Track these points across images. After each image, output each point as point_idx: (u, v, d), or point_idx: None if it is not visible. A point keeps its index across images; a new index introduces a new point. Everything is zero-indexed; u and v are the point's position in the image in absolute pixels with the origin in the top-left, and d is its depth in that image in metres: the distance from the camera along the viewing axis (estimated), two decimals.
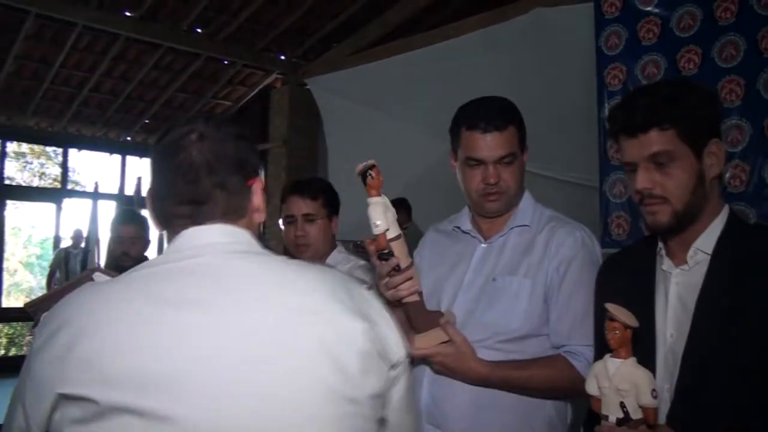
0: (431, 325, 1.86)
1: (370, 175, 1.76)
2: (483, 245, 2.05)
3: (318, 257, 2.52)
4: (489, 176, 1.93)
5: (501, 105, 2.00)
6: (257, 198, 1.28)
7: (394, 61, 7.14)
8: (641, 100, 1.57)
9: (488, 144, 1.92)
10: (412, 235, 6.54)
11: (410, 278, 1.82)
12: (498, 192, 1.95)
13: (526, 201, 2.06)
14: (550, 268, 1.92)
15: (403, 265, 1.80)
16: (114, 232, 3.89)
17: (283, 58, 8.67)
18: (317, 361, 1.09)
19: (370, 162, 1.77)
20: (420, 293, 1.88)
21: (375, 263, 1.83)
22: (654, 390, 1.38)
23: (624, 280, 1.71)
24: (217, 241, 1.20)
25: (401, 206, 7.14)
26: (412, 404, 1.32)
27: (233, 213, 1.24)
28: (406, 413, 1.27)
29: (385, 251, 1.78)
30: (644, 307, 1.59)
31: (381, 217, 1.76)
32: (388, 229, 1.76)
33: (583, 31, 4.94)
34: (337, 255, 2.59)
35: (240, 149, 1.26)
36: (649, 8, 4.26)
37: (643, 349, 1.49)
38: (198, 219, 1.22)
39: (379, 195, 1.77)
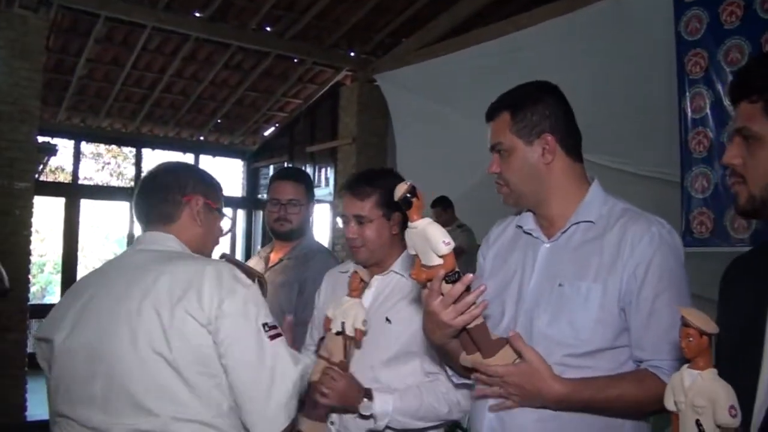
0: (499, 347, 1.67)
1: (416, 197, 1.58)
2: (546, 245, 1.82)
3: (376, 259, 2.33)
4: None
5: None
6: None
7: (463, 55, 6.98)
8: (743, 69, 1.39)
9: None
10: (468, 236, 6.38)
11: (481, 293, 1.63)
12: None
13: (593, 194, 1.81)
14: (625, 271, 1.68)
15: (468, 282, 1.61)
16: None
17: (352, 54, 8.59)
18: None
19: (410, 184, 1.58)
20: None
21: (432, 291, 1.61)
22: (733, 407, 1.16)
23: (744, 284, 1.48)
24: None
25: (449, 206, 6.98)
26: None
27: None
28: None
29: (454, 272, 1.58)
30: (756, 315, 1.36)
31: (447, 235, 1.57)
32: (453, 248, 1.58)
33: (662, 16, 4.71)
34: (408, 257, 2.35)
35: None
36: None
37: (747, 361, 1.32)
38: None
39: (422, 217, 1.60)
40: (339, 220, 2.42)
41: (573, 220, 1.78)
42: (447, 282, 1.58)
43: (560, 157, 1.79)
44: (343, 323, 2.09)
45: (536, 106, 1.79)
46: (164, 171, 1.98)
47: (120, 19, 7.38)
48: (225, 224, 2.07)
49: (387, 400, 2.12)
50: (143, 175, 2.01)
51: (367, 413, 2.10)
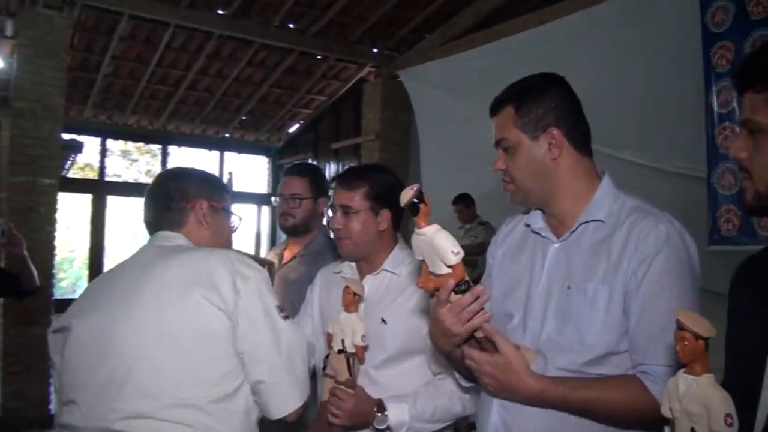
0: None
1: (423, 202, 1.51)
2: (555, 245, 1.75)
3: (361, 254, 2.30)
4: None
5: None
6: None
7: (486, 50, 6.92)
8: (748, 57, 1.31)
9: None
10: (489, 233, 6.32)
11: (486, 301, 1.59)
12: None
13: (603, 191, 1.73)
14: (628, 270, 1.61)
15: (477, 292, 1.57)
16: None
17: (375, 50, 8.57)
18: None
19: (417, 188, 1.52)
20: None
21: (441, 301, 1.57)
22: (729, 415, 1.10)
23: (753, 284, 1.40)
24: None
25: (471, 203, 6.91)
26: None
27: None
28: None
29: (464, 282, 1.53)
30: (764, 315, 1.29)
31: (456, 244, 1.51)
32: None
33: (687, 7, 4.61)
34: (399, 253, 2.31)
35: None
36: None
37: (753, 364, 1.24)
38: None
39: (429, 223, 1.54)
40: (328, 212, 2.41)
41: (582, 218, 1.71)
42: (456, 293, 1.53)
43: (568, 152, 1.72)
44: (342, 341, 2.05)
45: (541, 98, 1.72)
46: (165, 179, 2.04)
47: (143, 17, 7.42)
48: (235, 221, 2.12)
49: (401, 409, 2.08)
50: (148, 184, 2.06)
51: (383, 426, 2.06)
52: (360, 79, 9.26)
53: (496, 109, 1.78)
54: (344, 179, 2.30)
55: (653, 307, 1.56)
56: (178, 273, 1.74)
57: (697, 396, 1.14)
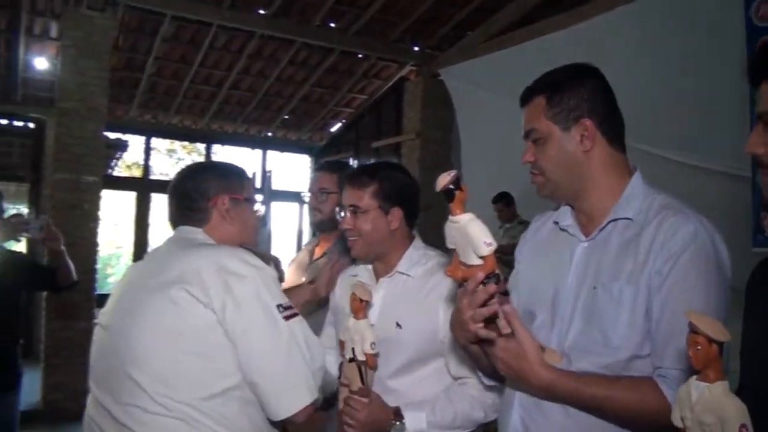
0: None
1: (459, 188, 1.47)
2: (584, 243, 1.68)
3: (373, 254, 2.26)
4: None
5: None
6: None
7: (528, 47, 6.83)
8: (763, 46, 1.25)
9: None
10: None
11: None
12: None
13: (634, 188, 1.66)
14: (654, 268, 1.54)
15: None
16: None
17: (416, 49, 8.54)
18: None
19: (454, 174, 1.47)
20: None
21: (467, 292, 1.54)
22: (744, 426, 1.04)
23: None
24: None
25: (511, 202, 6.84)
26: None
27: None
28: None
29: (494, 275, 1.48)
30: None
31: (489, 234, 1.47)
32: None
33: (731, 1, 4.46)
34: (414, 253, 2.26)
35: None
36: None
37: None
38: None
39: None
40: (340, 213, 2.32)
41: (611, 216, 1.64)
42: (485, 285, 1.49)
43: (600, 145, 1.65)
44: (353, 349, 1.99)
45: (573, 89, 1.65)
46: (184, 179, 2.02)
47: (186, 18, 7.53)
48: (259, 209, 2.12)
49: (419, 417, 2.02)
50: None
51: None
52: (401, 77, 9.25)
53: (526, 98, 1.71)
54: (352, 178, 2.25)
55: (673, 307, 1.48)
56: (179, 267, 1.74)
57: (710, 404, 1.08)
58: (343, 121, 10.76)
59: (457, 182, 1.46)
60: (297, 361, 1.71)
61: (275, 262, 2.48)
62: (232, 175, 2.05)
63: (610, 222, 1.64)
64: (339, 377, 2.13)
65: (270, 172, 8.71)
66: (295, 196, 11.16)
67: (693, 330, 1.08)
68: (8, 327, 3.71)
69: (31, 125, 9.13)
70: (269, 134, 10.84)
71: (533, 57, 6.60)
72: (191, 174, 2.04)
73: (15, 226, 3.61)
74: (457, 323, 1.62)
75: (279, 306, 1.74)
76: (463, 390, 2.08)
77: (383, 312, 2.18)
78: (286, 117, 10.31)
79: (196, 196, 1.95)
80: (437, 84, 8.41)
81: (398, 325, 2.13)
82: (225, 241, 1.94)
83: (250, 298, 1.71)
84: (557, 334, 1.64)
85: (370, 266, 2.31)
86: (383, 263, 2.25)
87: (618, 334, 1.54)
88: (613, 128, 1.68)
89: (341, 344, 2.05)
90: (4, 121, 9.09)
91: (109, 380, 1.73)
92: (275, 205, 8.85)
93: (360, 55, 8.81)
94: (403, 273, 2.21)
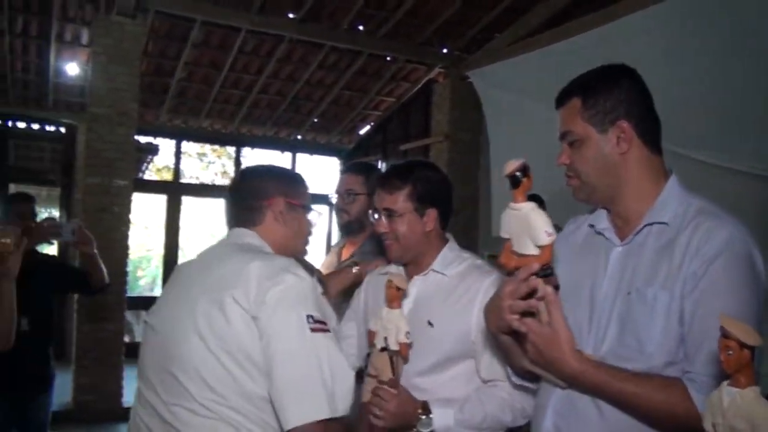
0: None
1: (526, 176, 1.47)
2: (619, 248, 1.67)
3: (410, 257, 2.22)
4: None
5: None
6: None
7: (557, 48, 6.74)
8: None
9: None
10: None
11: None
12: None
13: (670, 191, 1.64)
14: (688, 272, 1.52)
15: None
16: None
17: (444, 51, 8.52)
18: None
19: (522, 161, 1.47)
20: None
21: (518, 279, 1.52)
22: None
23: None
24: None
25: (540, 204, 6.79)
26: None
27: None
28: None
29: (548, 267, 1.48)
30: None
31: (550, 224, 1.46)
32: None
33: (759, 1, 4.39)
34: (449, 253, 2.23)
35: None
36: None
37: None
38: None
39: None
40: (374, 215, 2.29)
41: (646, 220, 1.63)
42: (538, 276, 1.49)
43: (637, 147, 1.64)
44: (385, 338, 1.98)
45: (610, 90, 1.64)
46: (245, 178, 2.10)
47: (215, 23, 7.59)
48: (313, 217, 2.10)
49: (447, 413, 2.01)
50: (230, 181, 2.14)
51: (427, 430, 1.99)
52: (429, 80, 9.23)
53: (562, 100, 1.71)
54: (385, 181, 2.20)
55: (705, 312, 1.47)
56: (225, 272, 1.78)
57: (742, 411, 1.06)
58: (372, 123, 10.76)
59: (524, 170, 1.46)
60: (314, 371, 1.66)
61: (319, 276, 2.45)
62: (291, 180, 2.08)
63: (645, 226, 1.62)
64: (365, 368, 2.13)
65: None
66: (325, 199, 11.18)
67: (724, 334, 1.06)
68: (41, 329, 3.78)
69: (63, 130, 9.30)
70: (298, 137, 10.88)
71: (561, 59, 6.52)
72: (251, 174, 2.10)
73: (48, 230, 3.65)
74: (494, 309, 1.62)
75: (309, 317, 1.70)
76: (494, 392, 2.06)
77: (415, 310, 2.16)
78: (315, 120, 10.34)
79: (254, 194, 1.99)
80: (465, 86, 8.37)
81: (430, 323, 2.11)
82: (277, 244, 1.96)
83: (285, 303, 1.69)
84: (593, 339, 1.63)
85: (401, 267, 2.29)
86: (416, 264, 2.23)
87: (652, 341, 1.53)
88: (649, 130, 1.66)
89: (371, 334, 2.04)
90: (36, 127, 9.27)
91: (156, 379, 1.78)
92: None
93: (388, 58, 8.80)
94: (437, 272, 2.20)
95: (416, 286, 2.21)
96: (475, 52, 8.33)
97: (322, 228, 11.09)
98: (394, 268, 2.30)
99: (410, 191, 2.16)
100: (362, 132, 11.04)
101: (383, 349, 1.99)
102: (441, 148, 8.71)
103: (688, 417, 1.40)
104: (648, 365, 1.52)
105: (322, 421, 1.61)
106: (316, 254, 11.02)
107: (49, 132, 9.36)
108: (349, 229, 2.99)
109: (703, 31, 5.12)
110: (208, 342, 1.68)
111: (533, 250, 1.47)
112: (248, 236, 1.95)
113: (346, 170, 3.09)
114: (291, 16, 7.60)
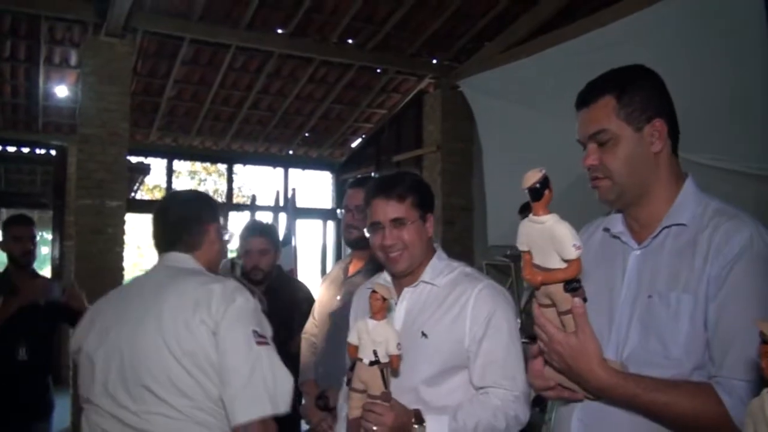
0: None
1: (548, 188, 1.41)
2: (636, 251, 1.65)
3: (415, 265, 2.19)
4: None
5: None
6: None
7: (547, 55, 6.75)
8: None
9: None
10: None
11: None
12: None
13: (687, 193, 1.62)
14: (711, 274, 1.50)
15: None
16: (241, 246, 3.75)
17: (434, 61, 8.51)
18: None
19: (543, 173, 1.41)
20: None
21: (549, 293, 1.48)
22: None
23: None
24: None
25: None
26: None
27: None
28: None
29: (577, 281, 1.43)
30: None
31: (577, 237, 1.41)
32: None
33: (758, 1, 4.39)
34: (438, 263, 2.22)
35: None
36: None
37: None
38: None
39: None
40: (367, 233, 2.25)
41: (665, 222, 1.61)
42: (566, 290, 1.44)
43: (667, 147, 1.62)
44: (375, 351, 1.92)
45: (644, 88, 1.62)
46: (179, 204, 2.24)
47: (204, 40, 7.55)
48: (228, 236, 2.32)
49: (441, 421, 1.98)
50: (156, 207, 2.27)
51: None
52: (420, 90, 9.22)
53: (589, 99, 1.66)
54: (389, 191, 2.17)
55: (730, 314, 1.45)
56: (187, 296, 1.95)
57: None
58: (364, 136, 10.74)
59: (545, 182, 1.40)
60: (257, 377, 1.87)
61: (259, 295, 2.79)
62: (216, 204, 2.29)
63: (663, 229, 1.61)
64: (347, 383, 2.08)
65: (294, 190, 8.70)
66: (319, 213, 11.17)
67: (764, 340, 1.03)
68: (39, 358, 3.72)
69: (53, 152, 9.25)
70: (290, 152, 10.85)
71: (552, 65, 6.53)
72: (185, 201, 2.26)
73: (36, 291, 3.75)
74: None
75: (255, 332, 1.93)
76: (487, 399, 2.04)
77: (407, 322, 2.15)
78: (307, 134, 10.31)
79: (194, 221, 2.16)
80: (456, 96, 8.37)
81: (424, 334, 2.10)
82: (208, 265, 2.18)
83: (237, 321, 1.91)
84: (614, 344, 1.61)
85: (389, 278, 2.27)
86: (409, 274, 2.21)
87: (678, 346, 1.51)
88: (676, 130, 1.65)
89: (352, 348, 1.99)
90: (27, 150, 9.22)
91: (124, 395, 1.93)
92: (299, 223, 8.83)
93: (378, 70, 8.79)
94: (427, 282, 2.18)
95: (406, 299, 2.20)
96: (465, 62, 8.34)
97: (317, 242, 11.05)
98: (381, 280, 2.28)
99: (414, 199, 2.17)
100: (354, 145, 11.01)
101: (373, 363, 1.93)
102: (434, 159, 8.70)
103: (719, 421, 1.39)
104: (676, 370, 1.50)
105: (264, 420, 1.86)
106: (311, 269, 10.91)
107: (40, 155, 9.31)
108: (359, 244, 2.97)
109: (694, 32, 5.12)
110: (179, 357, 1.87)
111: (559, 264, 1.42)
112: (187, 261, 2.13)
113: (355, 185, 3.08)
114: (280, 31, 7.58)
